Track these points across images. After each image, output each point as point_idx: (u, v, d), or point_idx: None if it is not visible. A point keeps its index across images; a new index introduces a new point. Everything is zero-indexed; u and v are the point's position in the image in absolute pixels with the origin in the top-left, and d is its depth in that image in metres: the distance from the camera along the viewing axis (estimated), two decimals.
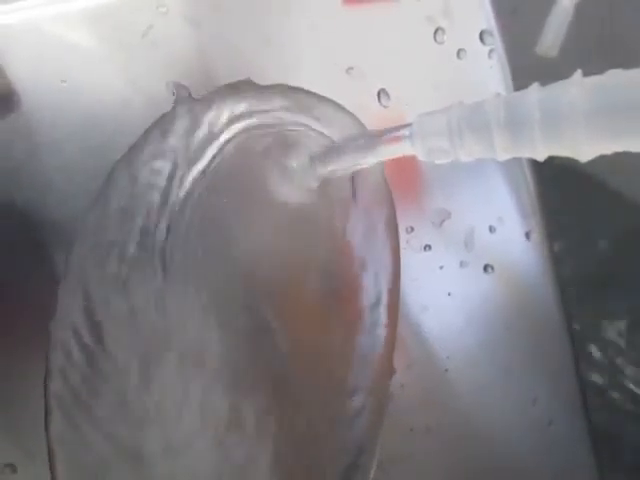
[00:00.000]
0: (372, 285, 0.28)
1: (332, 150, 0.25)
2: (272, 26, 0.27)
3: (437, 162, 0.22)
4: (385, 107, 0.29)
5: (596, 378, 0.40)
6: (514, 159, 0.32)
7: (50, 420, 0.23)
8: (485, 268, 0.32)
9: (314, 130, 0.26)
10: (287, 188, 0.26)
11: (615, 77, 0.16)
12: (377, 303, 0.28)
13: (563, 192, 0.39)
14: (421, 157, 0.22)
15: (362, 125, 0.27)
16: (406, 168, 0.31)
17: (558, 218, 0.34)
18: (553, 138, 0.17)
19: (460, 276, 0.32)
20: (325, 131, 0.27)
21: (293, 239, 0.27)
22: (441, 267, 0.31)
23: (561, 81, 0.17)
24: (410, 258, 0.30)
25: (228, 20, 0.27)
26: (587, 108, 0.16)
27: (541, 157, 0.18)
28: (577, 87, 0.17)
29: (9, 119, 0.24)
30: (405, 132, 0.22)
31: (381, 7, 0.29)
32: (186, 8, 0.26)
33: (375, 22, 0.29)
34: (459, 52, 0.31)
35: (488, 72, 0.32)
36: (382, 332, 0.28)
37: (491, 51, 0.32)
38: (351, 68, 0.29)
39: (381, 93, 0.29)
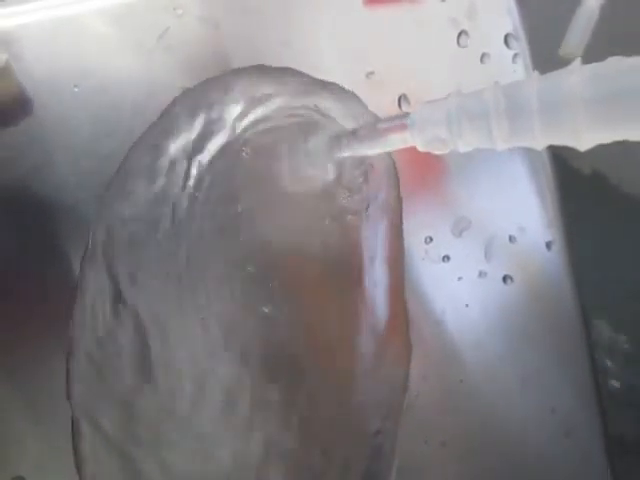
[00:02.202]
0: (377, 274, 0.27)
1: (344, 137, 0.25)
2: (291, 28, 0.27)
3: (436, 152, 0.21)
4: None
5: (614, 389, 0.39)
6: (538, 168, 0.32)
7: (76, 430, 0.23)
8: (504, 279, 0.31)
9: (330, 116, 0.26)
10: (303, 172, 0.26)
11: (614, 64, 0.16)
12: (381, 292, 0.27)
13: (586, 202, 0.38)
14: (420, 147, 0.22)
15: (373, 114, 0.27)
16: (428, 177, 0.30)
17: (580, 228, 0.33)
18: (552, 126, 0.17)
19: (479, 287, 0.31)
20: (341, 118, 0.26)
21: (305, 226, 0.27)
22: (459, 278, 0.30)
23: (560, 69, 0.17)
24: (428, 269, 0.30)
25: (246, 22, 0.26)
26: (586, 96, 0.16)
27: (540, 146, 0.18)
28: (576, 75, 0.16)
29: (22, 124, 0.23)
30: (405, 122, 0.21)
31: (403, 8, 0.29)
32: (203, 10, 0.25)
33: (397, 24, 0.29)
34: (483, 56, 0.30)
35: (512, 77, 0.31)
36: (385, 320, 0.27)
37: (515, 55, 0.31)
38: (371, 73, 0.28)
39: (402, 99, 0.28)
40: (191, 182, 0.25)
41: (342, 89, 0.27)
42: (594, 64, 0.16)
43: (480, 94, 0.19)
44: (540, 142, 0.18)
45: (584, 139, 0.17)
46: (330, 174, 0.26)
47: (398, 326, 0.28)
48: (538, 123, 0.17)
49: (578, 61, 0.17)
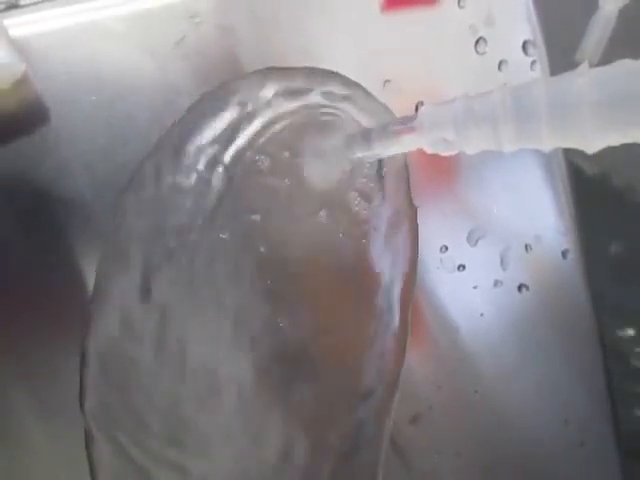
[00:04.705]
0: (387, 276, 0.27)
1: (359, 137, 0.25)
2: (308, 35, 0.26)
3: (443, 154, 0.21)
4: None
5: (629, 400, 0.39)
6: (554, 176, 0.32)
7: (90, 441, 0.23)
8: (520, 288, 0.31)
9: (348, 115, 0.26)
10: (319, 171, 0.26)
11: (622, 67, 0.16)
12: (390, 291, 0.27)
13: (602, 211, 0.37)
14: (427, 149, 0.22)
15: (392, 115, 0.27)
16: (443, 185, 0.30)
17: (596, 237, 0.33)
18: (559, 129, 0.17)
19: (494, 296, 0.31)
20: (358, 117, 0.26)
21: (318, 224, 0.26)
22: (475, 287, 0.30)
23: (568, 72, 0.17)
24: (443, 278, 0.29)
25: (263, 30, 0.26)
26: (594, 98, 0.16)
27: (547, 148, 0.18)
28: (584, 78, 0.16)
29: (39, 134, 0.23)
30: (411, 123, 0.22)
31: (421, 14, 0.28)
32: (220, 18, 0.25)
33: (414, 31, 0.28)
34: (500, 63, 0.29)
35: None
36: (394, 322, 0.27)
37: (533, 62, 0.30)
38: (388, 81, 0.28)
39: (419, 106, 0.28)
40: (207, 191, 0.25)
41: (358, 86, 0.27)
42: (602, 67, 0.16)
43: (487, 96, 0.19)
44: (547, 144, 0.18)
45: (591, 141, 0.17)
46: (345, 174, 0.26)
47: (403, 317, 0.28)
48: (545, 125, 0.17)
49: (586, 64, 0.17)
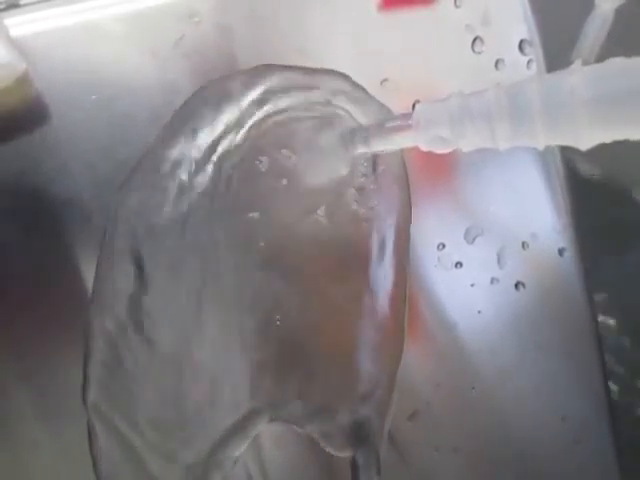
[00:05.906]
0: (383, 273, 0.27)
1: (356, 133, 0.25)
2: (306, 35, 0.27)
3: (438, 152, 0.22)
4: None
5: (626, 397, 0.39)
6: (551, 174, 0.32)
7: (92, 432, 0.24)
8: (516, 285, 0.31)
9: (345, 113, 0.26)
10: (317, 169, 0.26)
11: (615, 65, 0.16)
12: (386, 288, 0.27)
13: (599, 208, 0.38)
14: (423, 146, 0.22)
15: (389, 113, 0.27)
16: (440, 183, 0.30)
17: (593, 235, 0.33)
18: (553, 126, 0.17)
19: (491, 293, 0.31)
20: (355, 115, 0.26)
21: (316, 222, 0.26)
22: (472, 284, 0.30)
23: (561, 70, 0.17)
24: (441, 276, 0.30)
25: (262, 30, 0.26)
26: (587, 96, 0.16)
27: (541, 146, 0.18)
28: (577, 75, 0.17)
29: (38, 133, 0.23)
30: (407, 121, 0.22)
31: (419, 14, 0.28)
32: (219, 17, 0.25)
33: (411, 31, 0.28)
34: (497, 63, 0.30)
35: None
36: (391, 319, 0.27)
37: (530, 62, 0.30)
38: (386, 80, 0.28)
39: (416, 105, 0.28)
40: (204, 189, 0.25)
41: (356, 85, 0.27)
42: (595, 65, 0.17)
43: (482, 94, 0.19)
44: (541, 142, 0.18)
45: (584, 139, 0.17)
46: (343, 171, 0.26)
47: (398, 316, 0.28)
48: (539, 123, 0.18)
49: (579, 62, 0.17)
